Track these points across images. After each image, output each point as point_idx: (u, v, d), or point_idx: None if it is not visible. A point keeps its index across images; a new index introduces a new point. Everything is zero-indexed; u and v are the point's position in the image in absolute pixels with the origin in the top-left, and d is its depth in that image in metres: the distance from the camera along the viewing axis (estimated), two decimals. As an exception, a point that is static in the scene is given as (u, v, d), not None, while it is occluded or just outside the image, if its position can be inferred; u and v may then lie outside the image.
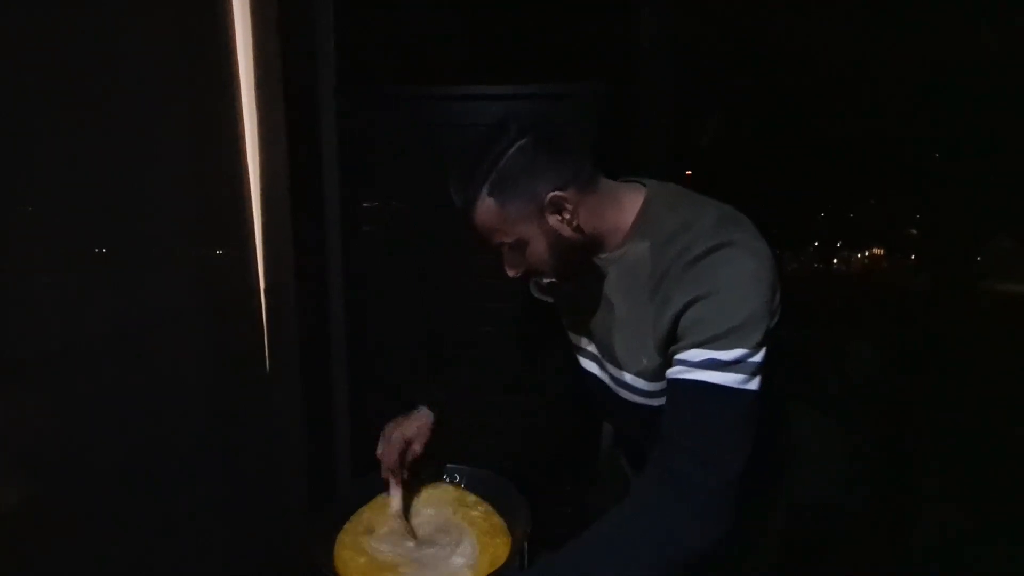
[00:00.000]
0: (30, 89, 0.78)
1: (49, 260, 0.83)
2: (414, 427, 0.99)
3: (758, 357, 0.68)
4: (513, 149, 0.72)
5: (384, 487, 0.99)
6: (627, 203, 0.80)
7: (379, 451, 0.98)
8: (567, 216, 0.74)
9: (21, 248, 0.78)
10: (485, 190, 0.73)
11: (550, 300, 0.93)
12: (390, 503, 0.97)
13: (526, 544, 0.86)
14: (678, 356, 0.71)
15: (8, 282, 0.76)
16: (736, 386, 0.67)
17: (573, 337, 0.97)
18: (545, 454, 1.71)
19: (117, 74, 0.93)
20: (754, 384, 0.68)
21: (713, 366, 0.67)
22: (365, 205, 1.79)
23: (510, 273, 0.83)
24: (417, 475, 1.01)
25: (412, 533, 0.93)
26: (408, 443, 0.97)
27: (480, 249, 0.83)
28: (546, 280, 0.84)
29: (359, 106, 1.71)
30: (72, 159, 0.85)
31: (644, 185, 0.83)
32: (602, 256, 0.82)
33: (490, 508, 0.99)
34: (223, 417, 1.23)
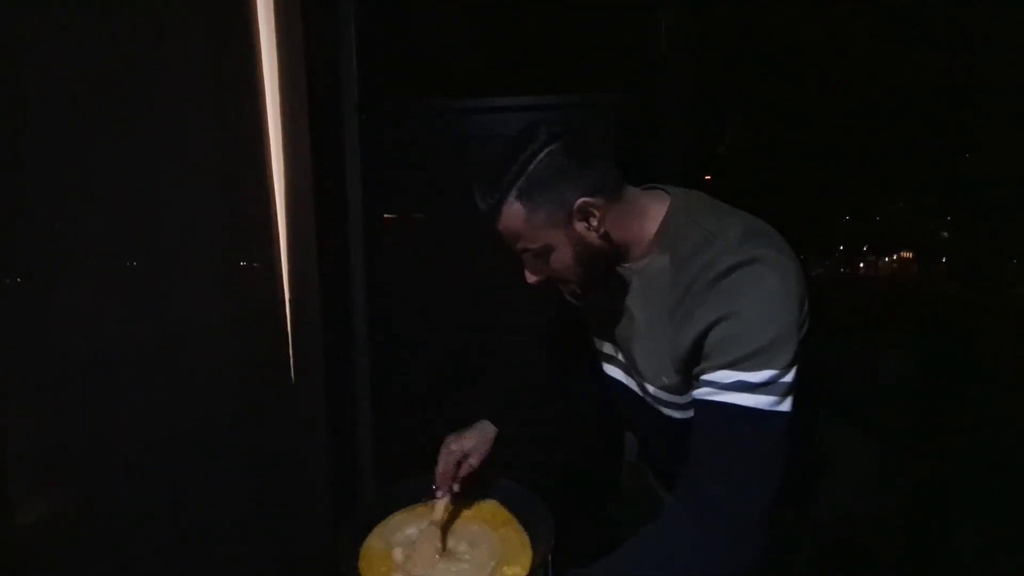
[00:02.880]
0: (69, 110, 0.81)
1: (85, 275, 0.86)
2: (473, 440, 0.98)
3: (788, 377, 0.66)
4: (543, 154, 0.72)
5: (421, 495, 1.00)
6: (651, 212, 0.79)
7: (438, 465, 0.97)
8: (594, 223, 0.74)
9: (62, 263, 0.81)
10: (513, 194, 0.73)
11: (580, 301, 0.91)
12: (433, 511, 0.96)
13: (550, 557, 0.85)
14: (705, 376, 0.69)
15: (52, 294, 0.79)
16: (767, 408, 0.65)
17: (598, 344, 0.96)
18: (566, 466, 1.70)
19: (148, 95, 0.96)
20: (785, 405, 0.66)
21: (743, 388, 0.66)
22: (387, 217, 1.82)
23: (531, 280, 0.82)
24: (466, 488, 0.99)
25: (443, 545, 0.93)
26: (465, 456, 0.97)
27: (502, 255, 0.83)
28: (567, 290, 0.83)
29: (381, 120, 1.74)
30: (107, 180, 0.88)
31: (668, 193, 0.81)
32: (625, 266, 0.81)
33: (511, 517, 0.99)
34: (250, 425, 1.25)
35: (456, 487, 0.97)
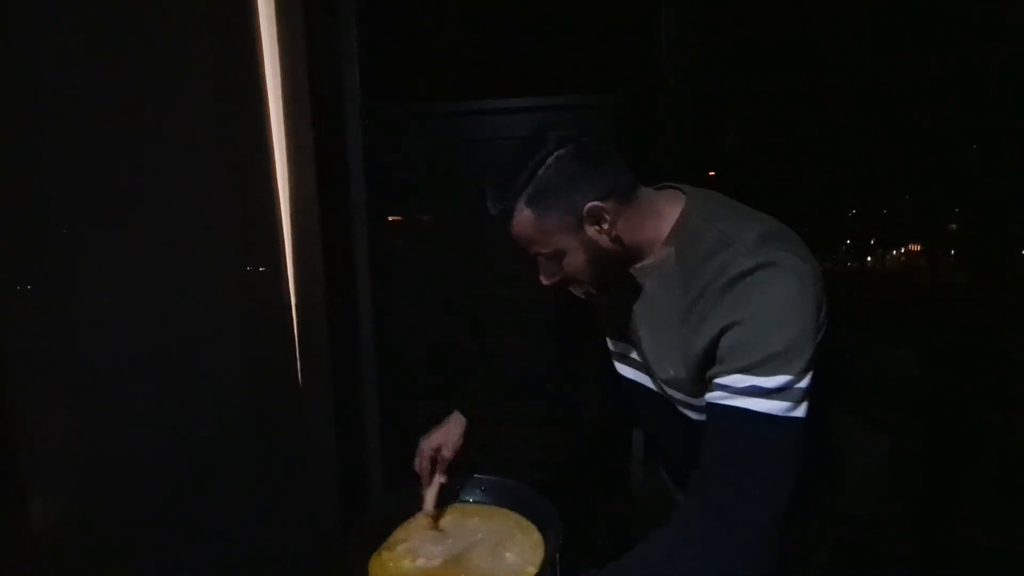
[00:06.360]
0: (77, 119, 0.82)
1: (94, 282, 0.87)
2: (441, 434, 1.03)
3: (803, 383, 0.65)
4: (551, 159, 0.72)
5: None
6: (666, 213, 0.78)
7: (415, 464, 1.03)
8: (606, 227, 0.74)
9: (71, 270, 0.82)
10: (523, 201, 0.73)
11: (594, 301, 0.91)
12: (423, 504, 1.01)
13: (558, 555, 0.85)
14: (718, 380, 0.68)
15: (62, 301, 0.80)
16: (781, 414, 0.64)
17: (612, 344, 0.96)
18: (574, 465, 1.70)
19: (153, 103, 0.97)
20: (800, 411, 0.65)
21: (756, 393, 0.64)
22: (392, 220, 1.82)
23: (545, 282, 0.82)
24: (451, 477, 1.05)
25: (438, 533, 0.98)
26: (437, 450, 1.02)
27: (509, 256, 0.83)
28: (581, 291, 0.83)
29: (384, 123, 1.75)
30: (115, 187, 0.89)
31: (683, 193, 0.80)
32: (638, 267, 0.80)
33: (521, 518, 0.99)
34: (259, 428, 1.26)
35: (441, 478, 1.02)
